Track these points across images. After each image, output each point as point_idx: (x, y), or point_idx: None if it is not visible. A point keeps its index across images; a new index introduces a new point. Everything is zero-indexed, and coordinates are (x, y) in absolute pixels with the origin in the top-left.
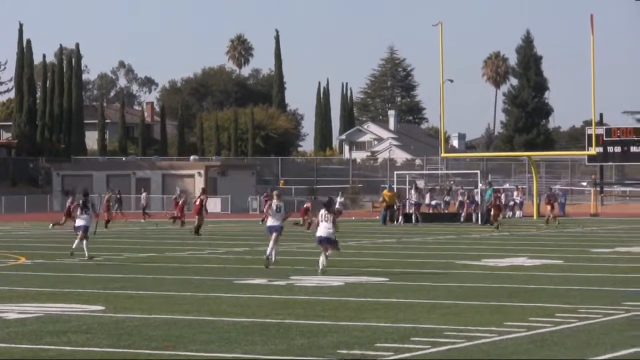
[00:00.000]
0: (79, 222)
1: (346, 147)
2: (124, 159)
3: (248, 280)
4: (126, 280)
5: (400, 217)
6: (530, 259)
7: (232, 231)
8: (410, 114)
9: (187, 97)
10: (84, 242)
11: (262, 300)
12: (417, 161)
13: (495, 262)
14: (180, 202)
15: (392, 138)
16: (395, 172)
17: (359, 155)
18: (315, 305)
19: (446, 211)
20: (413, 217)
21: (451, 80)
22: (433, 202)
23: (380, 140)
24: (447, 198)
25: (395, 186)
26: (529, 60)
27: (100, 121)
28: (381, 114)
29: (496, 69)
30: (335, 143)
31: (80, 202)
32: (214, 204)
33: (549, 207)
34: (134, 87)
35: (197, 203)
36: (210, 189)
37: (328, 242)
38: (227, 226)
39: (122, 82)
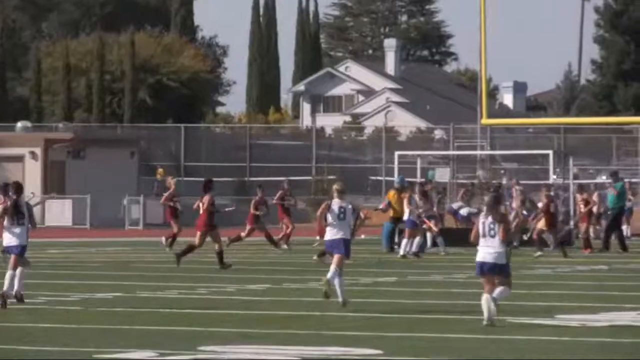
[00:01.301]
0: (11, 239)
1: (306, 108)
2: None
3: None
4: None
5: (430, 238)
6: None
7: (78, 270)
8: (424, 45)
9: (10, 13)
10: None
11: None
12: (438, 132)
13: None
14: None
15: (392, 90)
16: (397, 153)
17: (331, 122)
18: None
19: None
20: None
21: None
22: (465, 211)
23: (369, 93)
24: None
25: (416, 180)
26: None
27: None
28: (372, 47)
29: None
30: (285, 99)
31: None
32: (59, 210)
33: None
34: None
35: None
36: (53, 182)
37: None
38: (73, 255)
39: None
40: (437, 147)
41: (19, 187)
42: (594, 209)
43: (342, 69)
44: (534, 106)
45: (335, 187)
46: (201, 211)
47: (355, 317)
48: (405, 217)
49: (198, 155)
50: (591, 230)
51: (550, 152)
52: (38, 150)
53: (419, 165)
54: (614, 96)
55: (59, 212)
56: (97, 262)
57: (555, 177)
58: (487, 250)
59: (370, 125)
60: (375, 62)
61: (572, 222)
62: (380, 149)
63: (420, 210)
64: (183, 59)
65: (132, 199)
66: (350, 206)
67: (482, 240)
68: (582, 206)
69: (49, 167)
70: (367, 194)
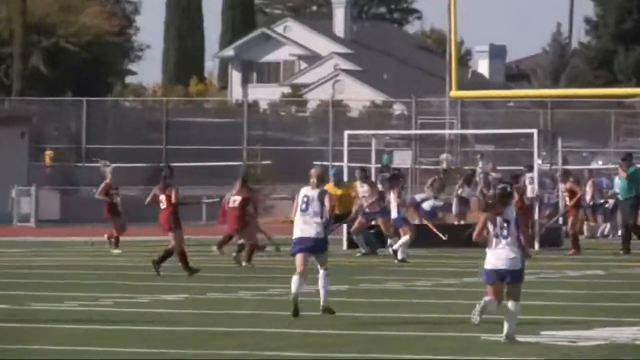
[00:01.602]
0: None
1: (235, 77)
2: None
3: None
4: None
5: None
6: None
7: None
8: (381, 2)
9: None
10: None
11: None
12: (397, 107)
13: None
14: None
15: (341, 55)
16: (347, 132)
17: (266, 95)
18: None
19: (457, 221)
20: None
21: None
22: (428, 205)
23: (313, 59)
24: (460, 191)
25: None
26: None
27: None
28: (316, 2)
29: None
30: (210, 67)
31: None
32: None
33: None
34: None
35: None
36: None
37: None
38: None
39: None
40: (397, 126)
41: None
42: (587, 200)
43: (280, 29)
44: (515, 75)
45: (312, 172)
46: (163, 205)
47: (298, 335)
48: (395, 214)
49: (103, 136)
50: (585, 227)
51: (534, 131)
52: None
53: (373, 148)
54: (613, 63)
55: None
56: None
57: (540, 161)
58: (500, 254)
59: (314, 99)
60: (321, 21)
61: (560, 218)
62: (327, 127)
63: (367, 203)
64: (84, 17)
65: (21, 190)
66: (316, 194)
67: (493, 242)
68: (567, 198)
69: None
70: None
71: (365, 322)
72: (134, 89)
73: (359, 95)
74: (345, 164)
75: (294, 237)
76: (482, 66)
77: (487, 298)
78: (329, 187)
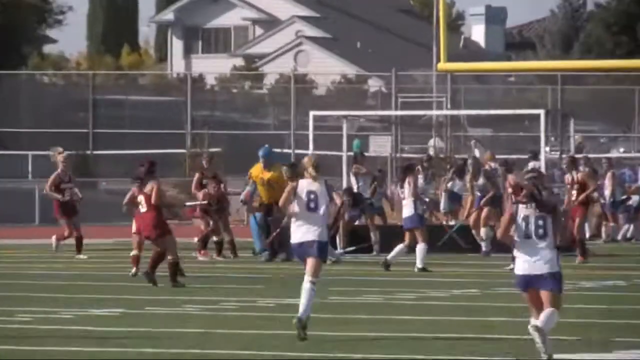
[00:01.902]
0: None
1: (177, 46)
2: None
3: None
4: None
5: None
6: None
7: None
8: None
9: None
10: None
11: None
12: (373, 82)
13: None
14: None
15: (305, 19)
16: (312, 113)
17: (215, 67)
18: None
19: (446, 221)
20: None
21: None
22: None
23: (270, 25)
24: (449, 184)
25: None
26: None
27: None
28: None
29: None
30: (146, 34)
31: None
32: None
33: None
34: None
35: None
36: None
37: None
38: None
39: None
40: (373, 105)
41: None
42: (606, 195)
43: None
44: (518, 43)
45: (306, 161)
46: (143, 208)
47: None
48: (410, 211)
49: (16, 117)
50: (603, 228)
51: (541, 112)
52: None
53: (345, 132)
54: (637, 28)
55: None
56: None
57: (548, 149)
58: (534, 256)
59: (273, 72)
60: None
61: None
62: (288, 107)
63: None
64: None
65: None
66: (324, 189)
67: (524, 243)
68: (574, 192)
69: None
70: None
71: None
72: (53, 60)
73: (326, 69)
74: (310, 151)
75: (294, 241)
76: (477, 33)
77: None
78: (256, 169)
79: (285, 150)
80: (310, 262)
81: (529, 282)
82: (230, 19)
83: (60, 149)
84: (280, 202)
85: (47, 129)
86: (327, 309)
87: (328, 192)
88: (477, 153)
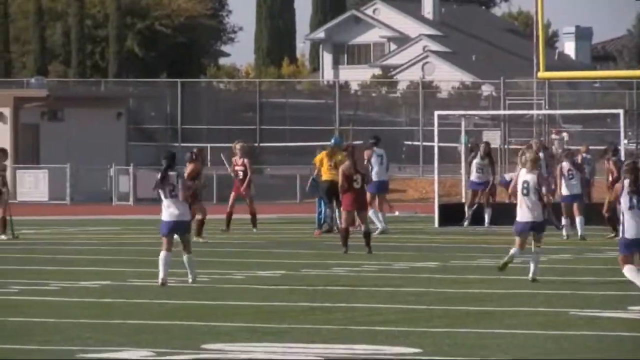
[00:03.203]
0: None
1: (327, 59)
2: None
3: None
4: None
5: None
6: None
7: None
8: None
9: None
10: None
11: None
12: (485, 88)
13: None
14: None
15: (430, 37)
16: (437, 112)
17: (357, 76)
18: None
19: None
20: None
21: None
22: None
23: (403, 41)
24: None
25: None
26: None
27: None
28: None
29: None
30: (302, 49)
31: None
32: (33, 182)
33: None
34: None
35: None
36: (25, 150)
37: None
38: (51, 236)
39: None
40: (485, 106)
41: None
42: None
43: (369, 11)
44: (601, 56)
45: (527, 156)
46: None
47: (388, 309)
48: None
49: (198, 117)
50: None
51: (620, 111)
52: (6, 111)
53: (463, 128)
54: None
55: (33, 185)
56: (79, 244)
57: (626, 142)
58: None
59: (404, 80)
60: (409, 4)
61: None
62: (417, 108)
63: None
64: (178, 0)
65: (120, 169)
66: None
67: (631, 213)
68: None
69: (20, 131)
70: (401, 163)
71: (452, 297)
72: (227, 70)
73: (448, 77)
74: (435, 144)
75: (519, 219)
76: (569, 48)
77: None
78: (323, 155)
79: (415, 143)
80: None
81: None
82: (370, 37)
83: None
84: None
85: (222, 126)
86: (450, 271)
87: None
88: (556, 144)
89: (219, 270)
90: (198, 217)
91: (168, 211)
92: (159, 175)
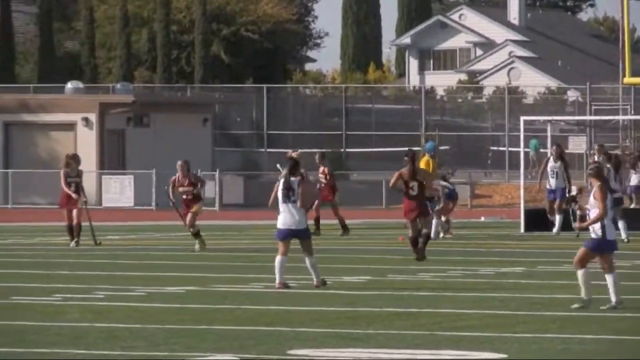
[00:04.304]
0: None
1: (413, 64)
2: None
3: None
4: None
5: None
6: None
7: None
8: None
9: None
10: None
11: None
12: (571, 93)
13: None
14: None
15: (516, 43)
16: (523, 118)
17: (443, 81)
18: None
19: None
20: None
21: None
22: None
23: (489, 46)
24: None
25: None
26: None
27: None
28: None
29: None
30: (388, 54)
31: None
32: (119, 188)
33: None
34: None
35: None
36: (111, 155)
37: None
38: (136, 242)
39: None
40: (571, 112)
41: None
42: None
43: (455, 17)
44: None
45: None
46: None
47: (474, 315)
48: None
49: (283, 122)
50: None
51: None
52: (92, 117)
53: (549, 133)
54: None
55: (118, 191)
56: (164, 250)
57: None
58: None
59: (490, 85)
60: (495, 9)
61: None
62: (503, 113)
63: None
64: (264, 5)
65: (206, 175)
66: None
67: None
68: None
69: (106, 137)
70: (487, 168)
71: (538, 302)
72: (313, 76)
73: (534, 82)
74: (521, 149)
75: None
76: None
77: None
78: (424, 161)
79: (501, 148)
80: None
81: None
82: (455, 42)
83: (297, 150)
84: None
85: (308, 132)
86: (536, 276)
87: None
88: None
89: (304, 275)
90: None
91: (285, 217)
92: (281, 180)
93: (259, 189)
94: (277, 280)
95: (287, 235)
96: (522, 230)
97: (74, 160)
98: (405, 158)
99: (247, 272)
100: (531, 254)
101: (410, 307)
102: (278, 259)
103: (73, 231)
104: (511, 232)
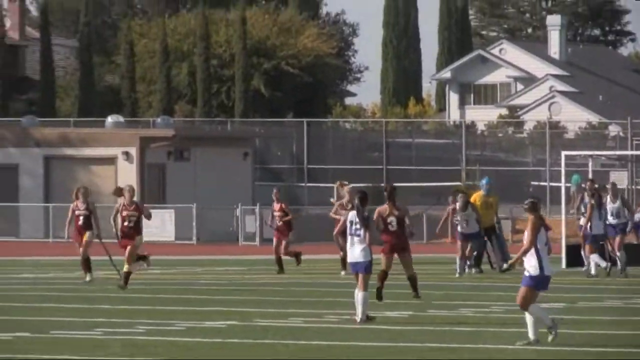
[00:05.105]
0: None
1: (453, 98)
2: None
3: None
4: None
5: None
6: None
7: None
8: (595, 23)
9: None
10: None
11: None
12: (612, 128)
13: None
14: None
15: (557, 77)
16: (564, 153)
17: (483, 116)
18: None
19: None
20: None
21: None
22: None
23: (529, 81)
24: None
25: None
26: None
27: None
28: (532, 25)
29: None
30: (428, 89)
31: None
32: (160, 222)
33: None
34: None
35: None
36: (151, 189)
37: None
38: (177, 276)
39: None
40: (612, 146)
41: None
42: None
43: (496, 51)
44: None
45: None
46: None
47: (515, 350)
48: None
49: (324, 156)
50: None
51: None
52: (133, 151)
53: (590, 168)
54: None
55: (159, 225)
56: (205, 284)
57: None
58: None
59: (531, 120)
60: (536, 44)
61: None
62: (544, 148)
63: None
64: (304, 39)
65: (246, 209)
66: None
67: None
68: None
69: (147, 171)
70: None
71: (579, 338)
72: (353, 110)
73: (574, 117)
74: (562, 184)
75: None
76: None
77: None
78: (477, 195)
79: (542, 183)
80: None
81: None
82: (496, 77)
83: (346, 182)
84: None
85: (348, 166)
86: (578, 312)
87: None
88: None
89: (347, 310)
90: None
91: (350, 250)
92: (352, 214)
93: (300, 223)
94: (359, 317)
95: (352, 268)
96: (563, 265)
97: (83, 192)
98: (385, 193)
99: (288, 306)
100: (572, 289)
101: (451, 343)
102: (355, 292)
103: (87, 265)
104: (552, 268)
